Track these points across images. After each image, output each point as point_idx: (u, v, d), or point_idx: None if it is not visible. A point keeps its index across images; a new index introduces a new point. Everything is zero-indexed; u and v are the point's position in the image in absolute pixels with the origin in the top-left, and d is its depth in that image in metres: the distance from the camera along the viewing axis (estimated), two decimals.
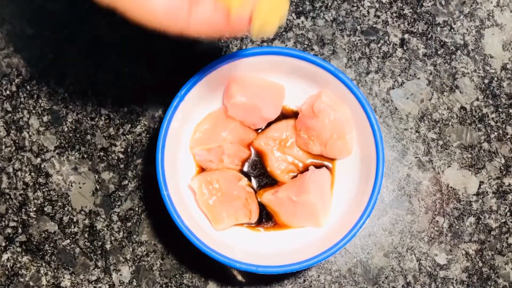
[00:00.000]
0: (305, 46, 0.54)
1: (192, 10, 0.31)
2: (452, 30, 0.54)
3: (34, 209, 0.52)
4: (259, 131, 0.50)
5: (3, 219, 0.52)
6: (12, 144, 0.53)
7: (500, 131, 0.53)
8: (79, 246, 0.52)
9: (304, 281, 0.52)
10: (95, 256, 0.52)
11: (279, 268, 0.44)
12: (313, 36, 0.54)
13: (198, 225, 0.46)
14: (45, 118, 0.53)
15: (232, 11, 0.31)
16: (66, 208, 0.52)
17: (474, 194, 0.53)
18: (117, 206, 0.52)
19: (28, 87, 0.53)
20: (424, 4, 0.54)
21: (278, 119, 0.50)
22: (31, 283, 0.51)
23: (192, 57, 0.53)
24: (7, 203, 0.52)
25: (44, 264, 0.51)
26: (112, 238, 0.52)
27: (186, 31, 0.31)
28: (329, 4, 0.54)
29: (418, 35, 0.54)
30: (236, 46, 0.54)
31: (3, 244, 0.52)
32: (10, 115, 0.53)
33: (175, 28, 0.31)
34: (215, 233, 0.47)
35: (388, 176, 0.53)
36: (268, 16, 0.31)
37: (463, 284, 0.52)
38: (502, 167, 0.53)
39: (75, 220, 0.52)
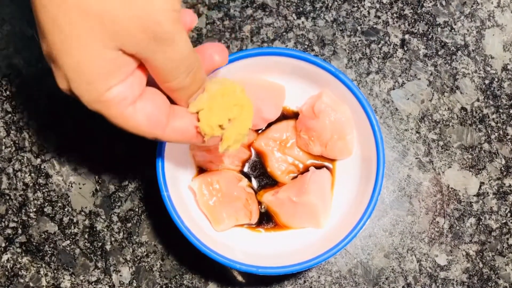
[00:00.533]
0: (306, 46, 0.54)
1: (169, 122, 0.35)
2: (452, 30, 0.54)
3: (34, 209, 0.52)
4: (260, 131, 0.50)
5: (3, 219, 0.52)
6: (12, 145, 0.52)
7: (501, 132, 0.53)
8: (79, 247, 0.52)
9: (305, 282, 0.51)
10: (95, 257, 0.51)
11: (279, 269, 0.44)
12: (313, 37, 0.54)
13: (198, 226, 0.46)
14: (45, 119, 0.53)
15: (206, 137, 0.37)
16: (66, 209, 0.52)
17: (474, 195, 0.53)
18: (117, 207, 0.52)
19: (28, 87, 0.53)
20: (424, 4, 0.54)
21: (279, 119, 0.49)
22: (31, 284, 0.51)
23: None
24: (7, 204, 0.52)
25: (44, 265, 0.51)
26: (112, 239, 0.52)
27: (161, 138, 0.35)
28: (330, 4, 0.54)
29: (418, 35, 0.54)
30: (237, 47, 0.53)
31: (3, 244, 0.52)
32: (10, 115, 0.53)
33: (152, 135, 0.35)
34: (215, 234, 0.47)
35: (388, 177, 0.53)
36: (233, 142, 0.38)
37: (464, 285, 0.52)
38: (502, 168, 0.53)
39: (75, 220, 0.52)
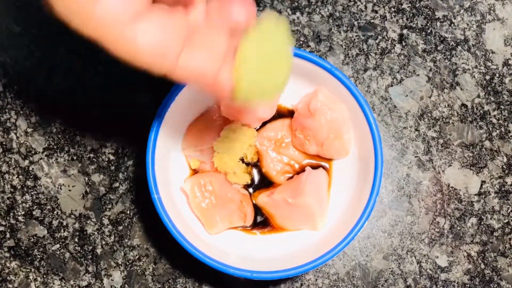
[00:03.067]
0: (301, 42, 0.52)
1: (183, 52, 0.27)
2: (452, 25, 0.53)
3: (23, 213, 0.51)
4: None
5: None
6: None
7: (502, 129, 0.52)
8: (69, 250, 0.50)
9: (301, 285, 0.50)
10: (85, 261, 0.50)
11: (274, 273, 0.43)
12: (309, 32, 0.53)
13: (190, 229, 0.45)
14: (33, 119, 0.51)
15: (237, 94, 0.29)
16: (55, 212, 0.51)
17: (475, 194, 0.52)
18: (108, 209, 0.51)
19: (15, 86, 0.52)
20: None
21: (273, 118, 0.48)
22: None
23: None
24: None
25: (33, 270, 0.50)
26: (103, 242, 0.50)
27: (171, 74, 0.28)
28: None
29: (417, 30, 0.53)
30: None
31: None
32: None
33: (159, 69, 0.27)
34: (208, 237, 0.46)
35: (387, 176, 0.52)
36: (257, 94, 0.29)
37: (465, 287, 0.51)
38: (504, 166, 0.52)
39: (64, 224, 0.51)
